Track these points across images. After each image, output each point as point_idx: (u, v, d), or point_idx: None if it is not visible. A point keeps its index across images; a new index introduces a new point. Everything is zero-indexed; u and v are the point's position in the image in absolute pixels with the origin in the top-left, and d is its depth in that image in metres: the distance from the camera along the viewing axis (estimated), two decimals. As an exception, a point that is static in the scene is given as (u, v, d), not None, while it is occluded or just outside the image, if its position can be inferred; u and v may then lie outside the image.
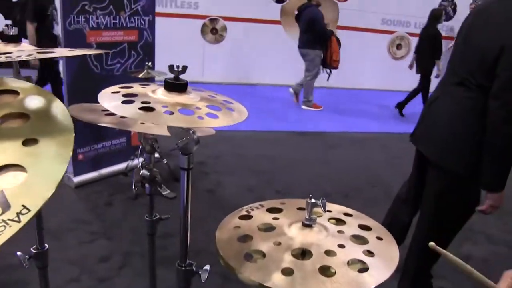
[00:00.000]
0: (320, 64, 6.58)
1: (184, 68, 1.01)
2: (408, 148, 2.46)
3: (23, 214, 0.45)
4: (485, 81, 1.80)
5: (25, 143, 0.54)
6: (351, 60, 7.37)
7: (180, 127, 0.96)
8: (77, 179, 3.51)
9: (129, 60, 3.65)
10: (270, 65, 7.91)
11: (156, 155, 3.78)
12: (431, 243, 0.86)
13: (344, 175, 4.29)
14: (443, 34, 6.53)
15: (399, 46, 8.70)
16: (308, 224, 1.07)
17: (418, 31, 8.43)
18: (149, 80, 3.10)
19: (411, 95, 6.63)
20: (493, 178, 1.86)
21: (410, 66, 6.75)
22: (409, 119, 6.50)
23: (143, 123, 1.33)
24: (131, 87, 1.03)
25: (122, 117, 1.30)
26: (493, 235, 3.36)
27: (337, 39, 6.67)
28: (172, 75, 1.03)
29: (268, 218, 1.16)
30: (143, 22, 3.63)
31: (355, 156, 4.92)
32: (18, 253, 1.36)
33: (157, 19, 3.85)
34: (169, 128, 0.98)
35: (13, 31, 1.25)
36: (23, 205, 0.46)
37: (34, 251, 1.39)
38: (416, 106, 6.70)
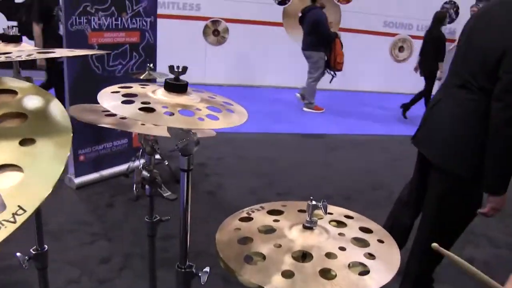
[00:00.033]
0: (323, 67, 6.57)
1: (184, 69, 1.00)
2: (409, 151, 2.46)
3: (18, 214, 0.44)
4: (487, 83, 1.80)
5: (22, 143, 0.53)
6: (353, 62, 7.37)
7: (180, 128, 0.96)
8: (78, 180, 3.51)
9: (131, 61, 3.65)
10: (272, 67, 7.91)
11: (157, 156, 3.78)
12: (434, 244, 0.85)
13: (346, 178, 4.28)
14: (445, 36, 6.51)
15: (401, 49, 8.70)
16: (309, 227, 1.06)
17: (421, 33, 8.46)
18: (151, 81, 3.10)
19: (417, 97, 6.61)
20: (495, 181, 1.85)
21: (415, 69, 6.74)
22: (411, 122, 6.49)
23: (143, 124, 1.33)
24: (131, 87, 1.03)
25: (122, 118, 1.30)
26: (495, 238, 3.34)
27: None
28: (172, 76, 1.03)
29: (268, 220, 1.15)
30: (145, 24, 3.63)
31: (357, 158, 4.91)
32: (18, 254, 1.36)
33: (159, 20, 3.85)
34: (169, 129, 0.97)
35: (13, 31, 1.25)
36: (19, 206, 0.45)
37: (33, 252, 1.38)
38: (418, 108, 6.69)
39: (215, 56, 7.73)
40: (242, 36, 7.70)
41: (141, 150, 3.67)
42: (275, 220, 1.15)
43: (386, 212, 2.64)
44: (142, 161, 3.55)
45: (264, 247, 1.01)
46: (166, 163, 3.71)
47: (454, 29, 8.34)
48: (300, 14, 6.70)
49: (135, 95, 0.97)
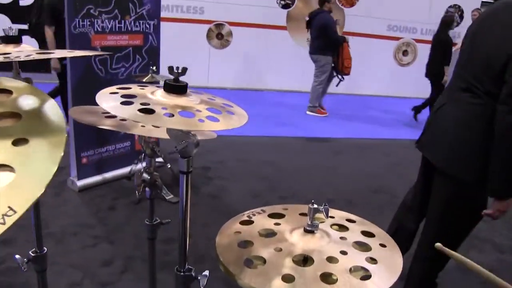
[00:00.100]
0: (329, 71, 6.56)
1: (184, 70, 0.99)
2: (413, 155, 2.44)
3: (8, 216, 0.43)
4: (493, 87, 1.78)
5: (15, 143, 0.52)
6: (356, 66, 7.34)
7: (180, 130, 0.95)
8: (81, 183, 3.51)
9: (134, 64, 3.65)
10: (276, 70, 7.91)
11: (160, 159, 3.78)
12: (438, 244, 0.84)
13: (349, 182, 4.26)
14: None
15: (405, 52, 8.68)
16: (310, 230, 1.05)
17: (425, 37, 8.46)
18: (154, 84, 3.09)
19: (428, 101, 6.61)
20: (501, 185, 1.83)
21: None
22: (415, 125, 6.47)
23: (143, 126, 1.32)
24: (130, 88, 1.02)
25: (122, 119, 1.29)
26: (499, 243, 3.32)
27: None
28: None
29: (269, 223, 1.14)
30: (148, 26, 3.63)
31: (360, 162, 4.89)
32: (17, 256, 1.35)
33: (162, 24, 3.85)
34: (169, 130, 0.96)
35: (13, 32, 1.25)
36: (9, 207, 0.44)
37: (32, 255, 1.37)
38: (423, 112, 6.68)
39: (218, 60, 7.74)
40: (245, 40, 7.71)
41: (143, 153, 3.66)
42: (276, 224, 1.13)
43: (390, 216, 2.62)
44: (145, 164, 3.55)
45: (265, 251, 1.00)
46: (169, 166, 3.70)
47: (458, 33, 8.32)
48: (307, 18, 6.71)
49: (134, 96, 0.96)
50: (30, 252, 1.37)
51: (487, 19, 1.95)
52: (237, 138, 5.08)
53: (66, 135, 0.56)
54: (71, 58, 3.27)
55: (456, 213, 2.03)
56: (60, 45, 4.12)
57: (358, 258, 0.99)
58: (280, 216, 1.19)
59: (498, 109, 1.74)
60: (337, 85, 6.72)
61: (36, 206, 1.34)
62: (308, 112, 6.77)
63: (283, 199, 3.72)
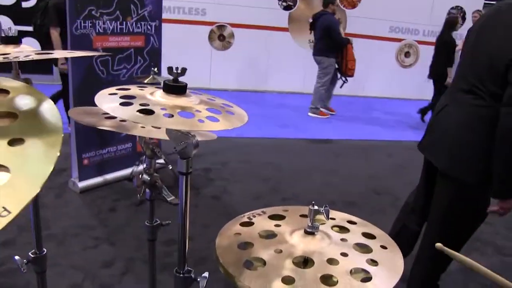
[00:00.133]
0: (332, 73, 6.56)
1: (183, 70, 0.99)
2: (415, 156, 2.43)
3: (2, 216, 0.43)
4: (496, 89, 1.77)
5: (11, 143, 0.52)
6: (358, 68, 7.34)
7: (179, 130, 0.94)
8: (82, 184, 3.50)
9: (136, 65, 3.65)
10: (278, 72, 7.91)
11: (161, 161, 3.78)
12: (438, 244, 0.83)
13: (351, 183, 4.25)
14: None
15: (407, 54, 8.67)
16: (310, 232, 1.04)
17: (427, 39, 8.44)
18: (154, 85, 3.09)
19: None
20: (504, 186, 1.82)
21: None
22: (417, 127, 6.46)
23: (143, 127, 1.32)
24: (129, 89, 1.01)
25: (122, 120, 1.29)
26: (501, 245, 3.30)
27: None
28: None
29: (269, 225, 1.14)
30: (149, 28, 3.63)
31: (362, 164, 4.88)
32: (16, 257, 1.34)
33: (164, 25, 3.85)
34: (168, 131, 0.96)
35: (13, 32, 1.25)
36: (3, 207, 0.44)
37: (32, 256, 1.37)
38: (429, 113, 6.66)
39: (220, 61, 7.74)
40: (247, 41, 7.71)
41: (144, 155, 3.66)
42: (277, 225, 1.13)
43: (392, 218, 2.61)
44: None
45: (265, 252, 1.00)
46: (170, 167, 3.70)
47: (461, 35, 8.30)
48: (310, 20, 6.71)
49: (133, 97, 0.96)
50: (29, 254, 1.37)
51: (489, 20, 1.94)
52: (238, 140, 5.08)
53: (62, 135, 0.55)
54: (73, 59, 3.27)
55: (458, 215, 2.02)
56: (66, 46, 4.14)
57: (359, 260, 0.98)
58: (280, 217, 1.18)
59: (501, 111, 1.74)
60: (341, 87, 6.71)
61: (36, 207, 1.33)
62: (310, 114, 6.76)
63: (284, 200, 3.71)
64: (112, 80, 3.47)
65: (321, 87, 6.62)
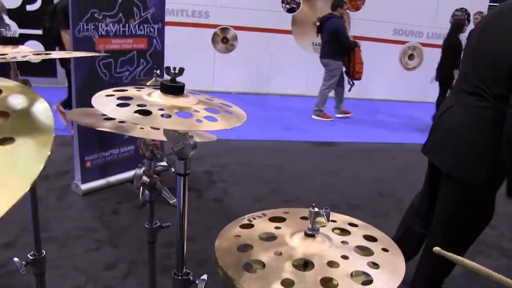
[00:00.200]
0: (338, 76, 6.56)
1: (181, 70, 0.98)
2: (419, 159, 2.41)
3: (-11, 215, 0.42)
4: (501, 90, 1.76)
5: (1, 142, 0.51)
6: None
7: (176, 131, 0.94)
8: (85, 187, 3.50)
9: (138, 68, 3.66)
10: (281, 74, 7.91)
11: (163, 163, 3.76)
12: (436, 248, 0.81)
13: (354, 186, 4.23)
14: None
15: (411, 56, 8.64)
16: (310, 234, 1.03)
17: (431, 41, 8.42)
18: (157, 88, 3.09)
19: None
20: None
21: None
22: (421, 130, 6.42)
23: (142, 128, 1.31)
24: (126, 90, 1.01)
25: (121, 121, 1.29)
26: (507, 248, 3.27)
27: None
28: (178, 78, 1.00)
29: (270, 227, 1.13)
30: (152, 30, 3.64)
31: (365, 166, 4.86)
32: (15, 259, 1.34)
33: (168, 28, 3.85)
34: (166, 132, 0.95)
35: (12, 33, 1.25)
36: (-9, 207, 0.43)
37: (31, 258, 1.37)
38: (430, 116, 6.63)
39: (224, 64, 7.74)
40: (251, 44, 7.71)
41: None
42: (277, 227, 1.12)
43: (394, 220, 2.59)
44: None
45: (265, 255, 0.99)
46: (173, 170, 3.69)
47: (466, 36, 8.28)
48: (318, 23, 6.71)
49: (130, 98, 0.95)
50: (28, 255, 1.37)
51: (491, 21, 1.93)
52: (240, 142, 5.08)
53: (54, 134, 0.55)
54: (76, 61, 3.27)
55: (462, 217, 2.00)
56: None
57: (360, 263, 0.97)
58: (281, 219, 1.17)
59: (508, 112, 1.72)
60: (349, 90, 6.70)
61: (35, 209, 1.33)
62: (313, 116, 6.75)
63: (286, 203, 3.69)
64: (114, 83, 3.48)
65: (327, 89, 6.62)
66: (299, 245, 1.02)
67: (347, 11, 8.00)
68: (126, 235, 3.01)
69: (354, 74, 6.53)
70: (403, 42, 8.50)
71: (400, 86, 8.49)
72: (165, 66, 3.57)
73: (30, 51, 1.16)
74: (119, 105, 0.91)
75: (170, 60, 3.95)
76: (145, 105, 0.92)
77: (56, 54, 1.12)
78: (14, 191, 0.46)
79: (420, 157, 2.27)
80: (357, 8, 8.05)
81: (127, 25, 3.45)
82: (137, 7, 3.48)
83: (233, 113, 1.00)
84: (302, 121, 6.57)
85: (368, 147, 5.66)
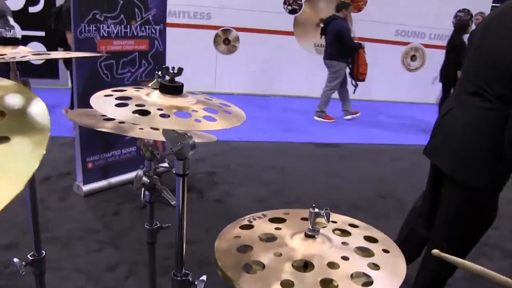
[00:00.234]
0: (342, 77, 6.56)
1: (180, 70, 0.98)
2: (421, 161, 2.40)
3: (-18, 214, 0.41)
4: (504, 91, 1.75)
5: (-4, 141, 0.50)
6: (364, 71, 7.33)
7: (175, 131, 0.93)
8: (87, 188, 3.51)
9: (140, 69, 3.66)
10: (283, 76, 7.91)
11: (165, 164, 3.76)
12: (435, 250, 0.81)
13: (356, 187, 4.22)
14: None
15: (413, 58, 8.63)
16: (310, 235, 1.02)
17: (433, 42, 8.40)
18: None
19: None
20: None
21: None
22: (423, 131, 6.40)
23: (142, 128, 1.31)
24: (125, 90, 1.00)
25: (120, 122, 1.28)
26: (509, 249, 3.25)
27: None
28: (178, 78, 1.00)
29: (270, 228, 1.12)
30: (154, 31, 3.64)
31: (368, 168, 4.85)
32: (15, 259, 1.34)
33: (170, 29, 3.85)
34: (165, 132, 0.95)
35: (11, 33, 1.25)
36: (-16, 205, 0.42)
37: (31, 258, 1.37)
38: (433, 118, 6.61)
39: (225, 65, 7.75)
40: (252, 45, 7.71)
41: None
42: (277, 228, 1.11)
43: (396, 222, 2.58)
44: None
45: (264, 256, 0.98)
46: (175, 171, 3.69)
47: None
48: (322, 25, 6.70)
49: (129, 98, 0.95)
50: (28, 256, 1.37)
51: (492, 22, 1.92)
52: (242, 143, 5.08)
53: (49, 134, 0.54)
54: (77, 63, 3.28)
55: (465, 219, 1.99)
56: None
57: (360, 264, 0.96)
58: (281, 220, 1.16)
59: (510, 114, 1.70)
60: (354, 92, 6.69)
61: (34, 209, 1.33)
62: (315, 118, 6.74)
63: (288, 204, 3.68)
64: (116, 84, 3.48)
65: (330, 90, 6.62)
66: (299, 246, 1.01)
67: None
68: (128, 236, 3.01)
69: (358, 75, 6.53)
70: (405, 43, 8.48)
71: (402, 87, 8.48)
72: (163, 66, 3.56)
73: (29, 51, 1.16)
74: (117, 105, 0.91)
75: (172, 61, 3.94)
76: (144, 105, 0.91)
77: (55, 54, 1.12)
78: (8, 190, 0.46)
79: (423, 158, 2.26)
80: (359, 9, 8.05)
81: (128, 26, 3.45)
82: (139, 9, 3.48)
83: (232, 113, 1.00)
84: (304, 123, 6.57)
85: (370, 148, 5.65)
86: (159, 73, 3.22)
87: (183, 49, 6.57)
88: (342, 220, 1.17)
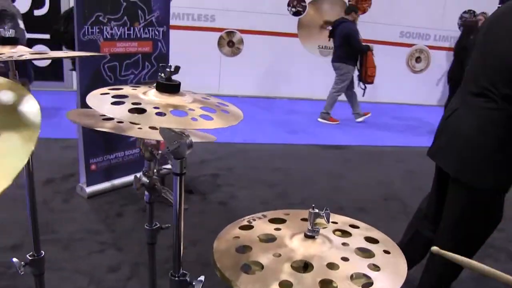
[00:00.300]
0: (349, 80, 6.55)
1: (177, 69, 0.97)
2: (426, 162, 2.38)
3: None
4: (509, 91, 1.73)
5: (-16, 136, 0.50)
6: (368, 73, 7.31)
7: (172, 130, 0.92)
8: (90, 189, 3.51)
9: (143, 71, 3.66)
10: (287, 78, 7.89)
11: (168, 166, 3.77)
12: (434, 248, 0.79)
13: (360, 189, 4.19)
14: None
15: (418, 59, 8.59)
16: (310, 236, 1.01)
17: (438, 43, 8.36)
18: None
19: None
20: None
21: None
22: (427, 133, 6.37)
23: (141, 128, 1.30)
24: (121, 88, 1.00)
25: (119, 121, 1.28)
26: (516, 252, 3.22)
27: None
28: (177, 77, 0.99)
29: (269, 228, 1.11)
30: (157, 33, 3.64)
31: (372, 170, 4.82)
32: (14, 259, 1.34)
33: (173, 31, 3.85)
34: (162, 131, 0.94)
35: (10, 33, 1.25)
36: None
37: (30, 258, 1.36)
38: (438, 119, 6.57)
39: (229, 67, 7.75)
40: (257, 47, 7.71)
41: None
42: (277, 229, 1.10)
43: (401, 224, 2.56)
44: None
45: (263, 256, 0.98)
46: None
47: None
48: (330, 28, 6.70)
49: (125, 96, 0.94)
50: (27, 256, 1.36)
51: (495, 22, 1.90)
52: (246, 145, 5.07)
53: (39, 130, 0.54)
54: (80, 64, 3.29)
55: (471, 221, 1.97)
56: None
57: (360, 265, 0.95)
58: (281, 221, 1.16)
59: None
60: (363, 95, 6.67)
61: (33, 210, 1.33)
62: (319, 119, 6.72)
63: (292, 206, 3.67)
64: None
65: (336, 93, 6.61)
66: (298, 247, 1.01)
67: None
68: (130, 237, 3.01)
69: (367, 78, 6.53)
70: (410, 45, 8.45)
71: (407, 89, 8.44)
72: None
73: (27, 51, 1.16)
74: (113, 103, 0.91)
75: (176, 63, 3.92)
76: (140, 103, 0.91)
77: (54, 54, 1.12)
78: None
79: (427, 160, 2.24)
80: (363, 11, 8.02)
81: (132, 28, 3.46)
82: (142, 10, 3.49)
83: (230, 112, 0.99)
84: (308, 125, 6.55)
85: (374, 150, 5.62)
86: (162, 75, 3.22)
87: (187, 51, 6.58)
88: (342, 220, 1.16)
